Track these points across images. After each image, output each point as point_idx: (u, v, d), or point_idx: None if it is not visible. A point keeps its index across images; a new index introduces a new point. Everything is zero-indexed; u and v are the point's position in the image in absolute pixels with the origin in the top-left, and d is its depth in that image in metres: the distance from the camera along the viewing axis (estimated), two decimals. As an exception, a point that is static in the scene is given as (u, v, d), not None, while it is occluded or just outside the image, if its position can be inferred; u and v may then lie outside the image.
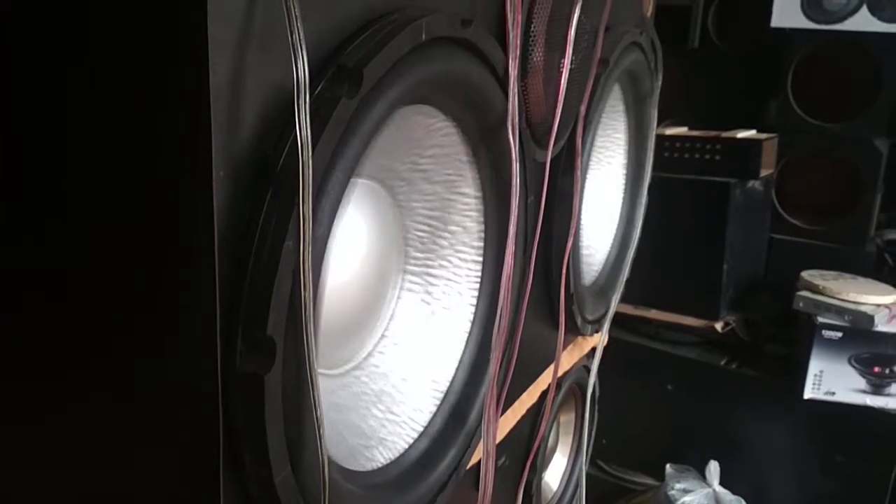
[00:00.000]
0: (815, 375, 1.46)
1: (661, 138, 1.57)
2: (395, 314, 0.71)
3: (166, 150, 0.41)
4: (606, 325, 1.06)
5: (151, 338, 0.45)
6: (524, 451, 0.98)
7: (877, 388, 1.44)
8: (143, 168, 0.42)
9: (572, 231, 0.86)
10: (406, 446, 0.67)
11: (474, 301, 0.73)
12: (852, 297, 1.44)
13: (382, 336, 0.70)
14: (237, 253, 0.42)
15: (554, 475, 1.20)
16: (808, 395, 1.47)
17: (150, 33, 0.40)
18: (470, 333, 0.74)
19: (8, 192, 0.48)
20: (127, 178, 0.43)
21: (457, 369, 0.73)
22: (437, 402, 0.71)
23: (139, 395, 0.47)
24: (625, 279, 1.10)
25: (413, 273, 0.72)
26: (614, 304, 1.07)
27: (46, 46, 0.44)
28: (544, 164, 0.77)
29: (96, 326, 0.47)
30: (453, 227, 0.71)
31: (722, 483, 1.50)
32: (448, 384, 0.72)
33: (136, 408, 0.47)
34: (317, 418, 0.46)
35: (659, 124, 1.16)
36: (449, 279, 0.72)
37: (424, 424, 0.70)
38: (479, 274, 0.73)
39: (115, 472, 0.50)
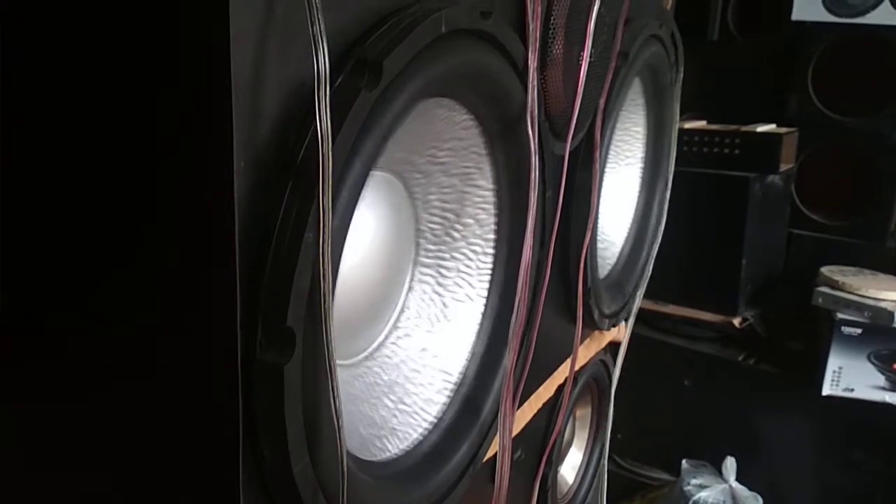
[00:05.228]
0: (834, 372, 1.45)
1: (679, 132, 1.55)
2: (408, 305, 0.72)
3: (187, 141, 0.41)
4: (631, 321, 1.05)
5: (172, 328, 0.45)
6: (540, 444, 0.98)
7: (896, 385, 1.43)
8: (163, 159, 0.42)
9: (590, 225, 0.86)
10: (418, 437, 0.68)
11: (486, 294, 0.73)
12: (872, 293, 1.43)
13: (394, 327, 0.71)
14: (257, 244, 0.42)
15: (569, 469, 1.20)
16: (826, 391, 1.46)
17: (171, 24, 0.40)
18: (482, 326, 0.73)
19: (30, 190, 0.48)
20: (146, 169, 0.43)
21: (469, 361, 0.73)
22: (450, 394, 0.71)
23: (159, 385, 0.47)
24: (648, 275, 1.09)
25: (425, 265, 0.72)
26: (638, 300, 1.06)
27: (58, 40, 0.44)
28: (563, 157, 0.77)
29: (116, 317, 0.48)
30: (467, 220, 0.71)
31: (739, 479, 1.50)
32: (460, 376, 0.72)
33: (156, 397, 0.47)
34: (335, 409, 0.46)
35: (678, 118, 1.15)
36: (461, 271, 0.72)
37: (437, 416, 0.70)
38: (492, 267, 0.73)
39: (134, 463, 0.50)
